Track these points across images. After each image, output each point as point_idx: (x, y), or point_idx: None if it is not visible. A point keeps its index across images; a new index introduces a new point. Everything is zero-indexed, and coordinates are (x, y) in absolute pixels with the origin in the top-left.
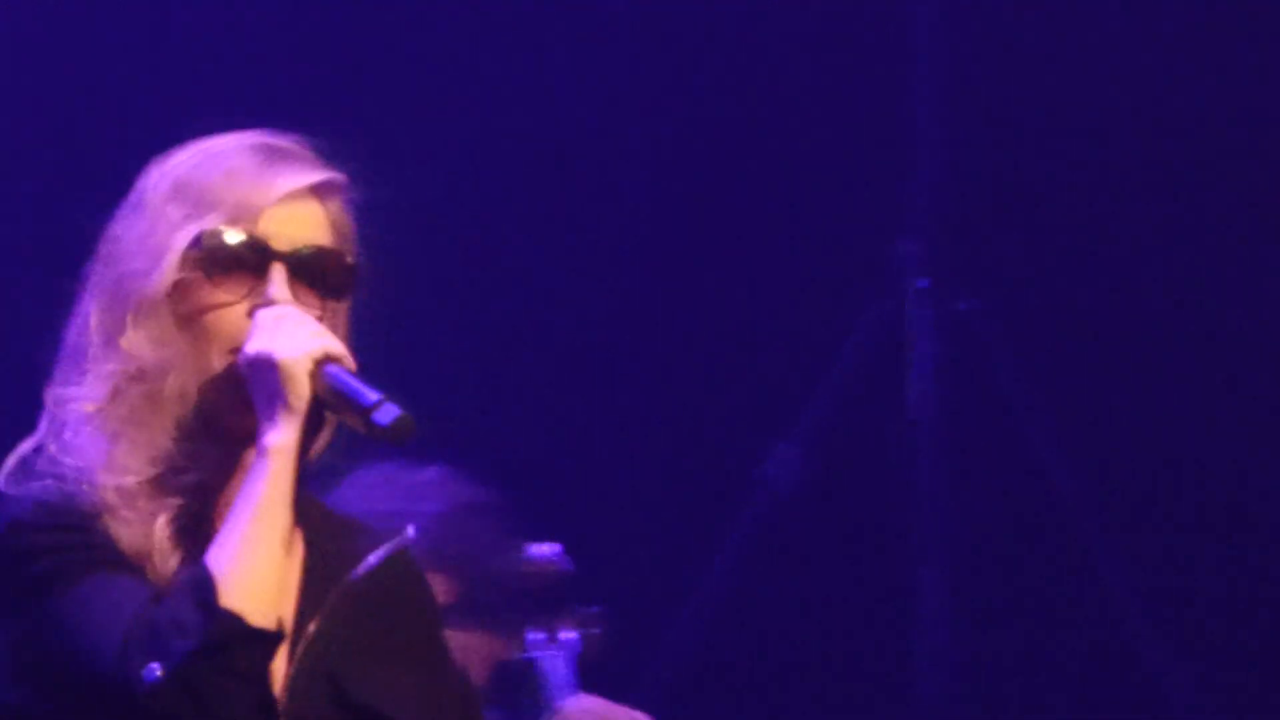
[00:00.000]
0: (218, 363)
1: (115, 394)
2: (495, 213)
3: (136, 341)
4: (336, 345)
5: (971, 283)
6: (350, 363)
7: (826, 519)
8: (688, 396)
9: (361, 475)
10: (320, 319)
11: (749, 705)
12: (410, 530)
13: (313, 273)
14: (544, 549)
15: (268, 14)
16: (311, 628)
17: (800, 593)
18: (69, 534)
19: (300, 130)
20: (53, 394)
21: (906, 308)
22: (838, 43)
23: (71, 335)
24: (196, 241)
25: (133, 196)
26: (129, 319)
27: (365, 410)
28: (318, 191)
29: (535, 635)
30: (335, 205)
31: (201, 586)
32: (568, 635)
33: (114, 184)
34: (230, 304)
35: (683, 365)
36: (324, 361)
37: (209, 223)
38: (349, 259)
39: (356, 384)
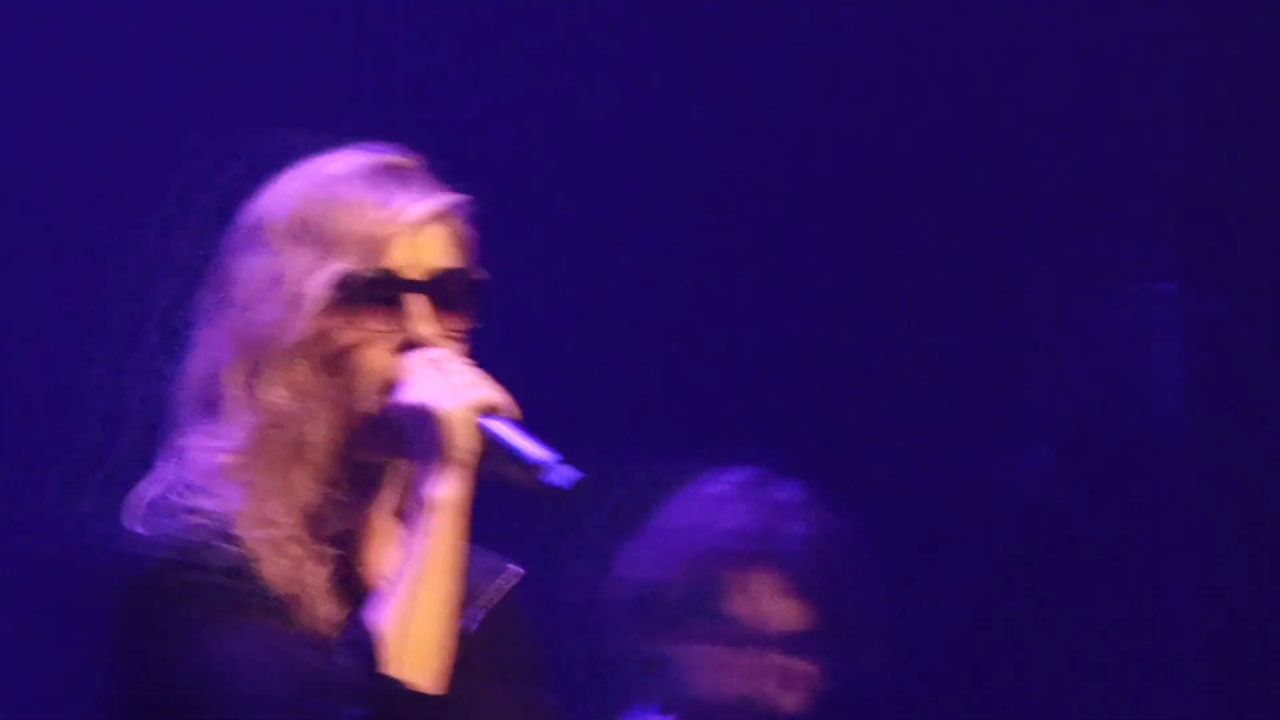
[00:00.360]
0: (363, 404)
1: (256, 444)
2: (652, 231)
3: (277, 391)
4: (497, 393)
5: (1219, 283)
6: (513, 411)
7: (1074, 523)
8: (935, 404)
9: (705, 486)
10: (461, 340)
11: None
12: (518, 569)
13: (449, 297)
14: None
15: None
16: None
17: (1048, 599)
18: (215, 577)
19: (395, 139)
20: (186, 440)
21: (1166, 310)
22: (1091, 38)
23: (197, 378)
24: (333, 284)
25: (246, 230)
26: (267, 368)
27: (534, 469)
28: (445, 218)
29: None
30: (456, 221)
31: (370, 651)
32: None
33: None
34: (373, 342)
35: (927, 364)
36: (488, 412)
37: (342, 263)
38: (478, 276)
39: (522, 438)
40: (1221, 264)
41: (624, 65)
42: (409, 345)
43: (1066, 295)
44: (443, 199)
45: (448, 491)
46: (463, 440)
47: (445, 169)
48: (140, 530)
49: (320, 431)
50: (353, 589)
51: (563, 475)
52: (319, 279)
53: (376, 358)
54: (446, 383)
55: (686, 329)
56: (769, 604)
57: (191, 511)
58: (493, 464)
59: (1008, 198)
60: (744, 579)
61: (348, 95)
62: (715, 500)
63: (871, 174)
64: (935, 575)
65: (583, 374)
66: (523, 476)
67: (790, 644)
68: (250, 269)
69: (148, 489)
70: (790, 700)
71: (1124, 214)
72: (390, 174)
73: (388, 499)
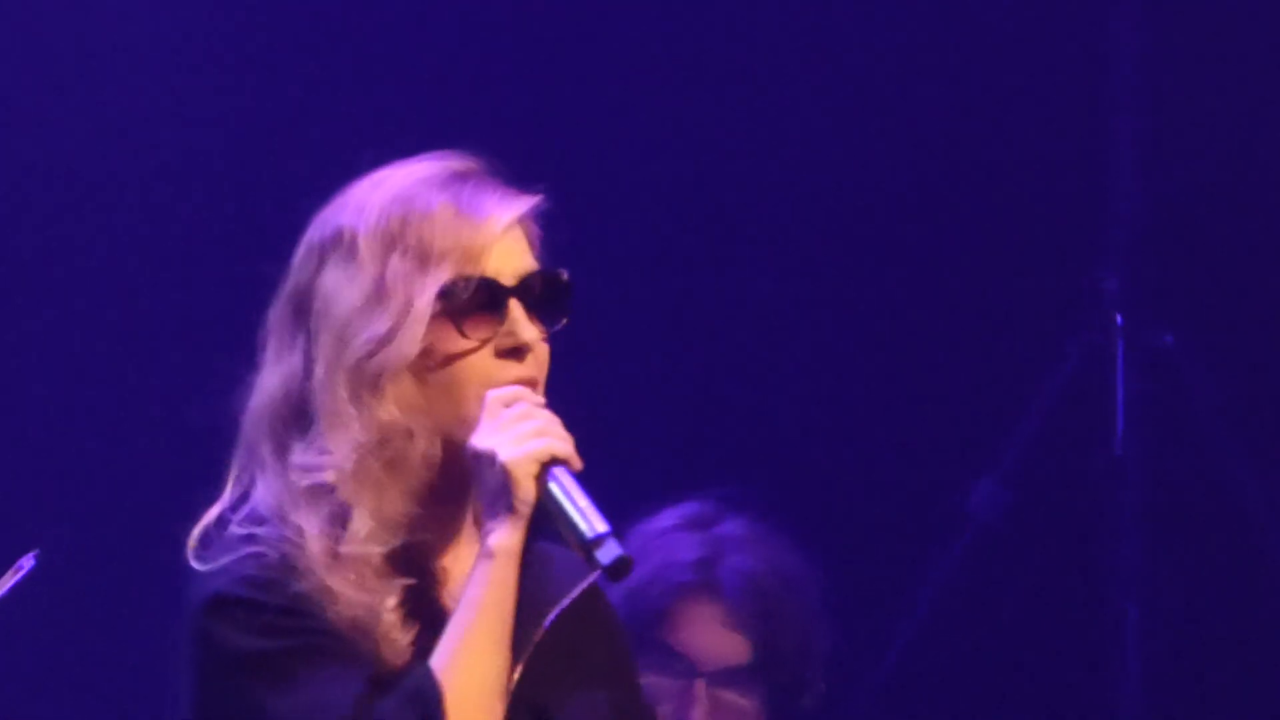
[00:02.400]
0: (470, 411)
1: (357, 463)
2: (686, 252)
3: (387, 407)
4: (563, 444)
5: (1175, 317)
6: (576, 463)
7: (1030, 555)
8: (891, 431)
9: (656, 520)
10: (547, 342)
11: None
12: (597, 571)
13: (539, 300)
14: None
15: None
16: (517, 672)
17: (1003, 629)
18: (282, 611)
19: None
20: (265, 464)
21: (1110, 343)
22: (1037, 76)
23: (278, 399)
24: (440, 296)
25: (328, 244)
26: (377, 384)
27: (586, 543)
28: (521, 220)
29: None
30: (531, 226)
31: (426, 701)
32: None
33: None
34: (476, 349)
35: (886, 400)
36: (551, 464)
37: (444, 274)
38: (564, 276)
39: (580, 503)
40: (1177, 297)
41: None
42: (511, 351)
43: (1016, 329)
44: (525, 201)
45: (502, 540)
46: (522, 492)
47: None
48: (206, 559)
49: (421, 448)
50: (425, 610)
51: (608, 554)
52: (426, 290)
53: (479, 365)
54: (515, 429)
55: (655, 366)
56: (705, 636)
57: (255, 540)
58: (549, 517)
59: (960, 231)
60: (682, 610)
61: (406, 110)
62: (662, 533)
63: (822, 213)
64: (891, 604)
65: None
66: (571, 540)
67: (724, 677)
68: (343, 283)
69: (214, 516)
70: None
71: (1073, 247)
72: (466, 180)
73: (471, 516)
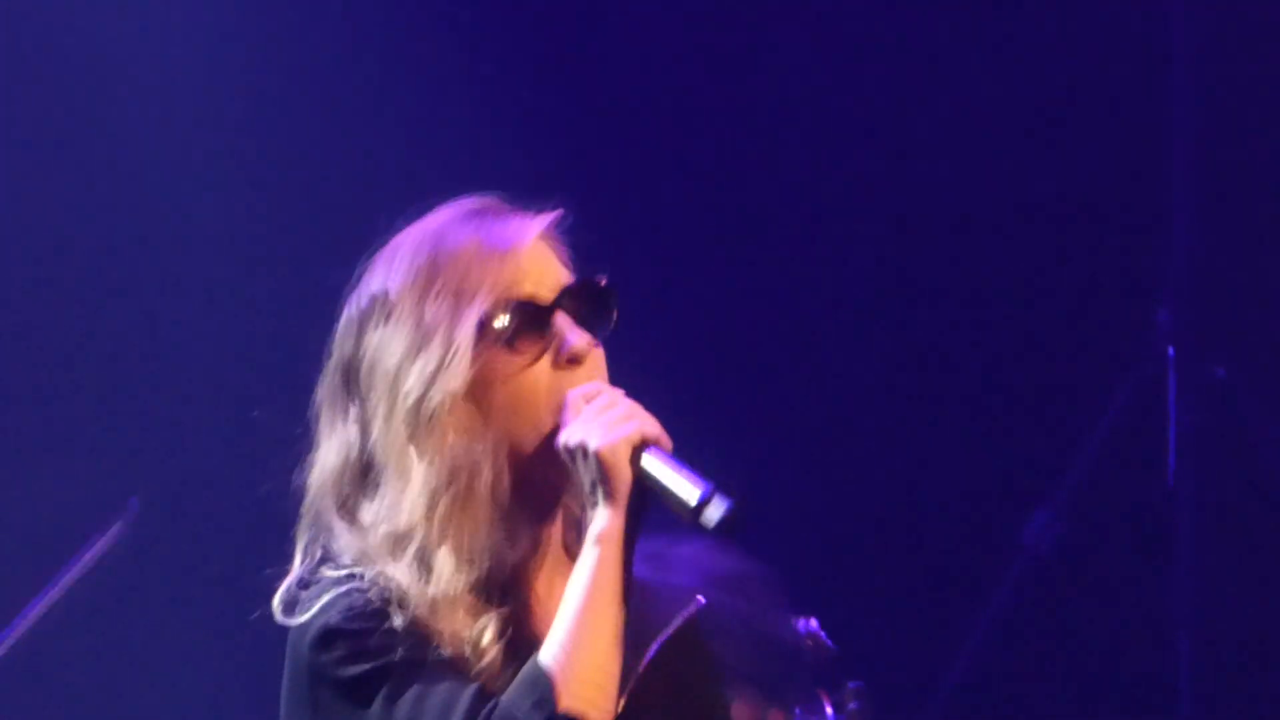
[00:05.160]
0: (530, 434)
1: (434, 500)
2: (729, 282)
3: (448, 440)
4: (651, 425)
5: (1227, 350)
6: (667, 442)
7: (1084, 585)
8: (946, 465)
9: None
10: (600, 347)
11: None
12: (701, 598)
13: (585, 308)
14: (803, 624)
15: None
16: (620, 704)
17: (1057, 659)
18: (388, 637)
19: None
20: (334, 528)
21: (1163, 375)
22: (1096, 112)
23: (336, 466)
24: (480, 327)
25: (363, 311)
26: (433, 423)
27: (691, 508)
28: (546, 237)
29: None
30: (558, 242)
31: (539, 686)
32: (827, 711)
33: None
34: (529, 367)
35: (941, 434)
36: (642, 445)
37: (482, 304)
38: (602, 281)
39: (680, 471)
40: (1233, 330)
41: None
42: (567, 359)
43: (1070, 362)
44: (544, 218)
45: (606, 526)
46: (619, 476)
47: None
48: (298, 612)
49: (491, 474)
50: (524, 638)
51: (717, 509)
52: (466, 323)
53: (536, 383)
54: (602, 419)
55: (712, 393)
56: None
57: (353, 579)
58: (653, 497)
59: (1015, 266)
60: None
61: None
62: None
63: (883, 250)
64: (949, 634)
65: None
66: (680, 511)
67: None
68: (386, 341)
69: (292, 579)
70: None
71: (1126, 281)
72: (485, 214)
73: (556, 536)
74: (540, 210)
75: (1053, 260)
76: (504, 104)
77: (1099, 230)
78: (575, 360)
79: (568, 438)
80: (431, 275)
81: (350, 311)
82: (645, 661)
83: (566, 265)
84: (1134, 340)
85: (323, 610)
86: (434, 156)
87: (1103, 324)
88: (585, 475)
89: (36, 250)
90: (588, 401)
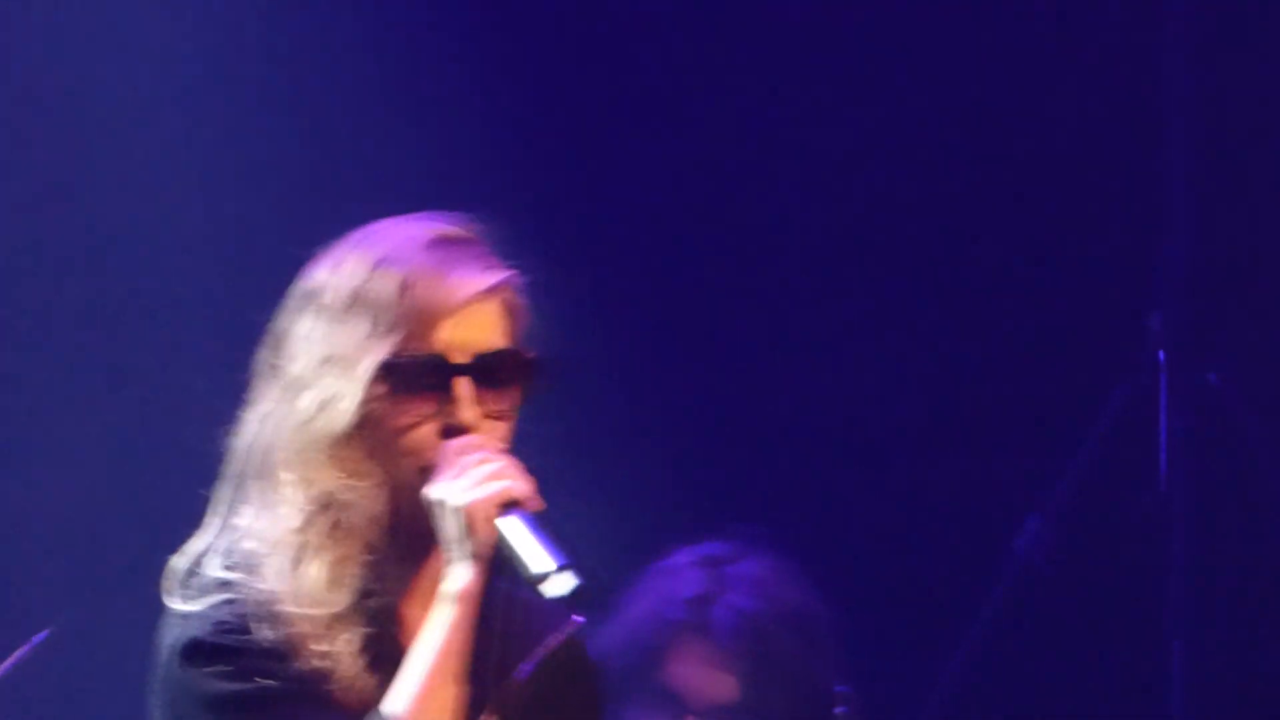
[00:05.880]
0: (408, 483)
1: (306, 523)
2: (719, 293)
3: (328, 474)
4: (520, 487)
5: (1222, 355)
6: (535, 504)
7: (1078, 592)
8: (937, 472)
9: (669, 559)
10: (509, 419)
11: None
12: (580, 619)
13: (496, 378)
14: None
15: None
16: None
17: (1049, 666)
18: (251, 660)
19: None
20: (235, 515)
21: (1157, 381)
22: (1088, 116)
23: (248, 452)
24: (382, 367)
25: (304, 296)
26: (319, 450)
27: (536, 579)
28: (499, 295)
29: None
30: (511, 296)
31: None
32: None
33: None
34: (419, 424)
35: (934, 439)
36: (506, 507)
37: (392, 344)
38: (529, 355)
39: (533, 541)
40: (1223, 335)
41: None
42: (451, 430)
43: (1061, 367)
44: (494, 275)
45: (461, 584)
46: (478, 535)
47: (508, 241)
48: (179, 602)
49: (368, 510)
50: (394, 662)
51: (562, 585)
52: (370, 358)
53: (420, 439)
54: (471, 475)
55: (701, 401)
56: (694, 674)
57: (230, 586)
58: (506, 560)
59: (1005, 271)
60: (674, 648)
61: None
62: (668, 574)
63: (872, 255)
64: (940, 642)
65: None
66: (527, 579)
67: (713, 715)
68: (304, 340)
69: (187, 559)
70: None
71: (1117, 287)
72: (447, 246)
73: (433, 572)
74: (507, 261)
75: (1043, 265)
76: (483, 102)
77: (1091, 235)
78: (459, 432)
79: (434, 491)
80: (365, 290)
81: (300, 283)
82: (517, 679)
83: (509, 329)
84: (1125, 345)
85: (197, 618)
86: (432, 159)
87: (1094, 329)
88: (447, 529)
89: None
90: (461, 455)
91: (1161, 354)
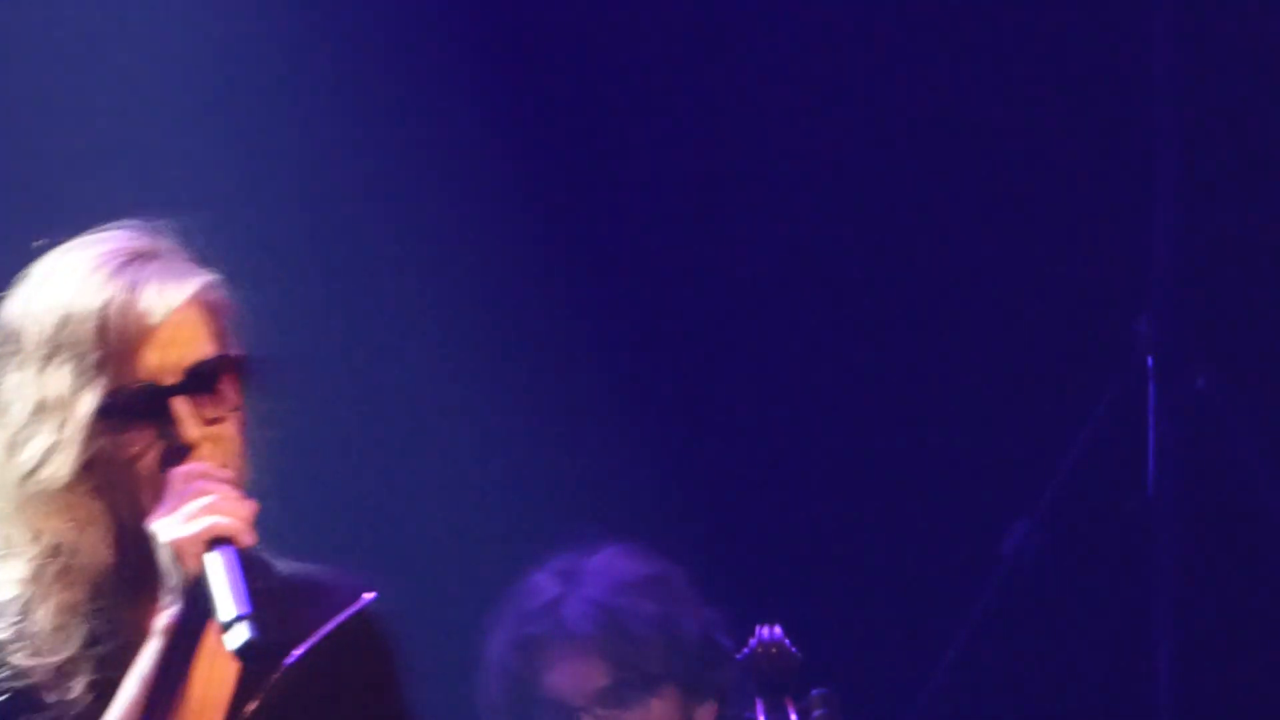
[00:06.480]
0: (138, 519)
1: (35, 574)
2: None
3: (53, 524)
4: (230, 521)
5: (1210, 360)
6: (245, 539)
7: (1064, 596)
8: (925, 474)
9: (533, 574)
10: (233, 420)
11: None
12: (368, 595)
13: (211, 385)
14: (767, 632)
15: None
16: (250, 707)
17: (1040, 669)
18: None
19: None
20: None
21: (1146, 386)
22: (1076, 120)
23: None
24: (97, 409)
25: (7, 339)
26: (43, 503)
27: (222, 624)
28: (197, 300)
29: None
30: (209, 297)
31: None
32: (791, 718)
33: None
34: (142, 455)
35: (923, 442)
36: (214, 543)
37: (101, 386)
38: (237, 353)
39: (226, 584)
40: (1212, 340)
41: None
42: (174, 453)
43: (1050, 371)
44: (184, 286)
45: (168, 618)
46: (184, 569)
47: (202, 236)
48: None
49: (95, 556)
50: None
51: (237, 636)
52: (84, 405)
53: (144, 470)
54: (183, 509)
55: (689, 403)
56: (567, 674)
57: None
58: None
59: (995, 275)
60: (543, 659)
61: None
62: (518, 593)
63: (860, 256)
64: (928, 644)
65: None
66: (217, 620)
67: (599, 702)
68: (15, 389)
69: None
70: None
71: (1107, 292)
72: (134, 267)
73: (164, 608)
74: (198, 266)
75: (1031, 269)
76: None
77: (1079, 239)
78: (185, 452)
79: (152, 523)
80: (60, 336)
81: (3, 325)
82: (286, 664)
83: (215, 330)
84: (1114, 350)
85: None
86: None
87: (1082, 334)
88: (161, 560)
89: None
90: (185, 483)
91: (1150, 359)
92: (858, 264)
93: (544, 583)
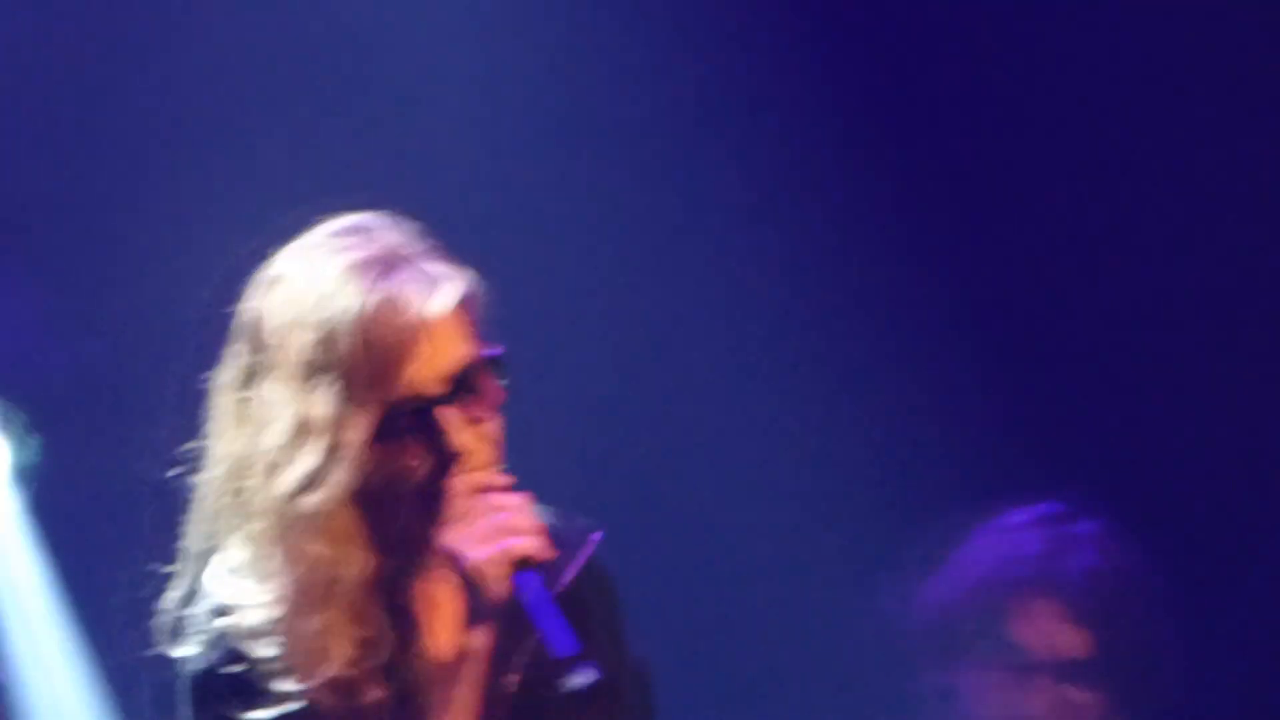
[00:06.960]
0: (399, 533)
1: (296, 594)
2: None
3: (318, 545)
4: (529, 542)
5: None
6: (544, 554)
7: None
8: (924, 473)
9: (1003, 520)
10: (496, 418)
11: None
12: (597, 535)
13: (474, 391)
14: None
15: None
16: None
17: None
18: (263, 680)
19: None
20: (216, 564)
21: None
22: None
23: (217, 501)
24: (370, 429)
25: (250, 343)
26: (306, 525)
27: (561, 661)
28: (453, 306)
29: None
30: (465, 297)
31: None
32: None
33: None
34: (412, 470)
35: (917, 444)
36: (521, 565)
37: (373, 408)
38: (496, 352)
39: (552, 618)
40: None
41: None
42: (445, 461)
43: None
44: (452, 291)
45: (473, 641)
46: (491, 593)
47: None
48: (180, 644)
49: (356, 573)
50: (407, 662)
51: (582, 678)
52: (352, 433)
53: (417, 482)
54: (481, 527)
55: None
56: (1046, 630)
57: (222, 638)
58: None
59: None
60: (1026, 606)
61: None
62: (1007, 532)
63: (845, 256)
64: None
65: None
66: (553, 661)
67: (1068, 671)
68: (270, 408)
69: (171, 610)
70: None
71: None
72: (389, 272)
73: (434, 620)
74: (454, 264)
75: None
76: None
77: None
78: (456, 458)
79: (447, 539)
80: (320, 358)
81: (240, 333)
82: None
83: (471, 329)
84: None
85: (200, 653)
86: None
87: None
88: (462, 576)
89: None
90: (471, 498)
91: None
92: (853, 267)
93: (1034, 533)
